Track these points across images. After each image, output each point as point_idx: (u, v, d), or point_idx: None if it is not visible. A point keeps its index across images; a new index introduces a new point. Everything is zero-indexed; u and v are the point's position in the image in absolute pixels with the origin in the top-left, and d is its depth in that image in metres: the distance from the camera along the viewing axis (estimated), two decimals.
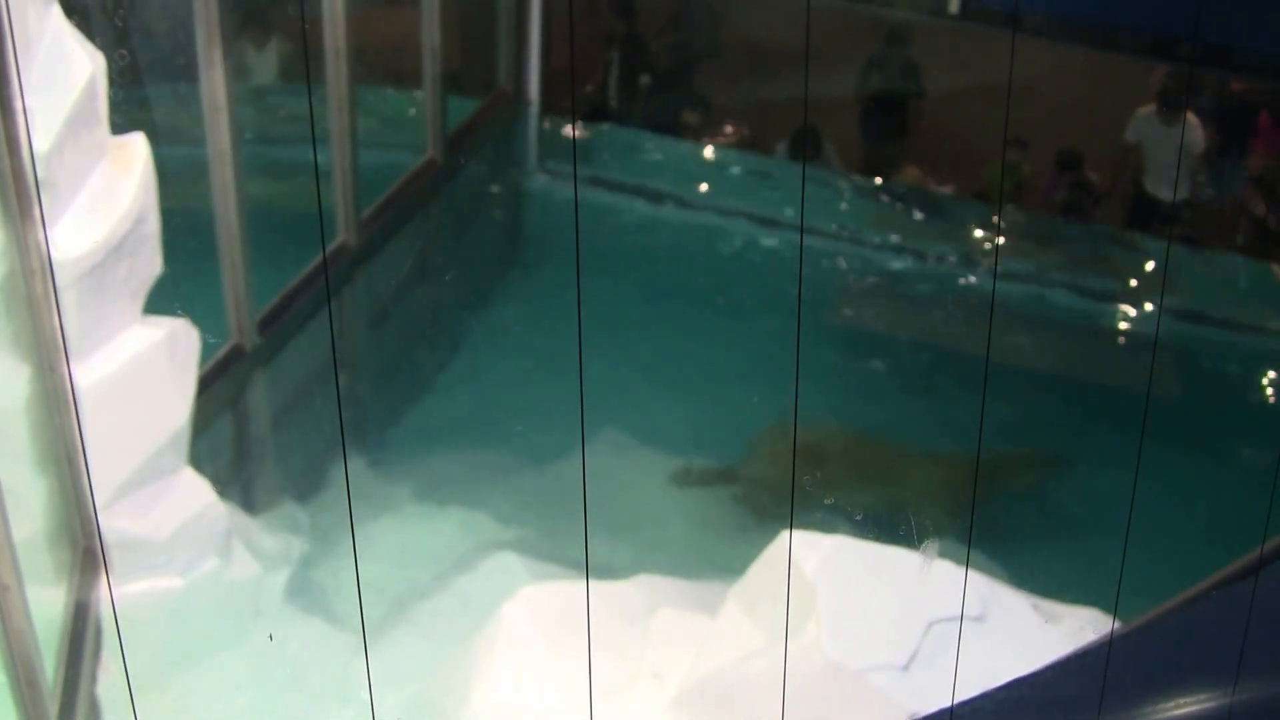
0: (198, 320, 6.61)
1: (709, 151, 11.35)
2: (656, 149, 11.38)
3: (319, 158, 8.47)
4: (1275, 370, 9.66)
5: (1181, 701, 3.04)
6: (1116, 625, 3.87)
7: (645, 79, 11.55)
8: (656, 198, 10.95)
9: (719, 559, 7.55)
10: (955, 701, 3.59)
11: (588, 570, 3.87)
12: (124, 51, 6.54)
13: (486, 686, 6.25)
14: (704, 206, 11.00)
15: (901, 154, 11.15)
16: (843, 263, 10.43)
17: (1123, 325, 10.08)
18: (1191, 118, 10.64)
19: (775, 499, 7.98)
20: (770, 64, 11.02)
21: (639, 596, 6.68)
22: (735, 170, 11.25)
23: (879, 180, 11.03)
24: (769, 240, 10.59)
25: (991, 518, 7.96)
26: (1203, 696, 3.03)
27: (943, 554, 5.96)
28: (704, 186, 11.14)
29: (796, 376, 3.16)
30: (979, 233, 10.77)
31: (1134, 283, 10.30)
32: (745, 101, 11.40)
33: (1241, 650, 2.96)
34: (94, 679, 6.06)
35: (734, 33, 11.43)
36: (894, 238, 10.66)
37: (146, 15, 7.38)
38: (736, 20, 11.47)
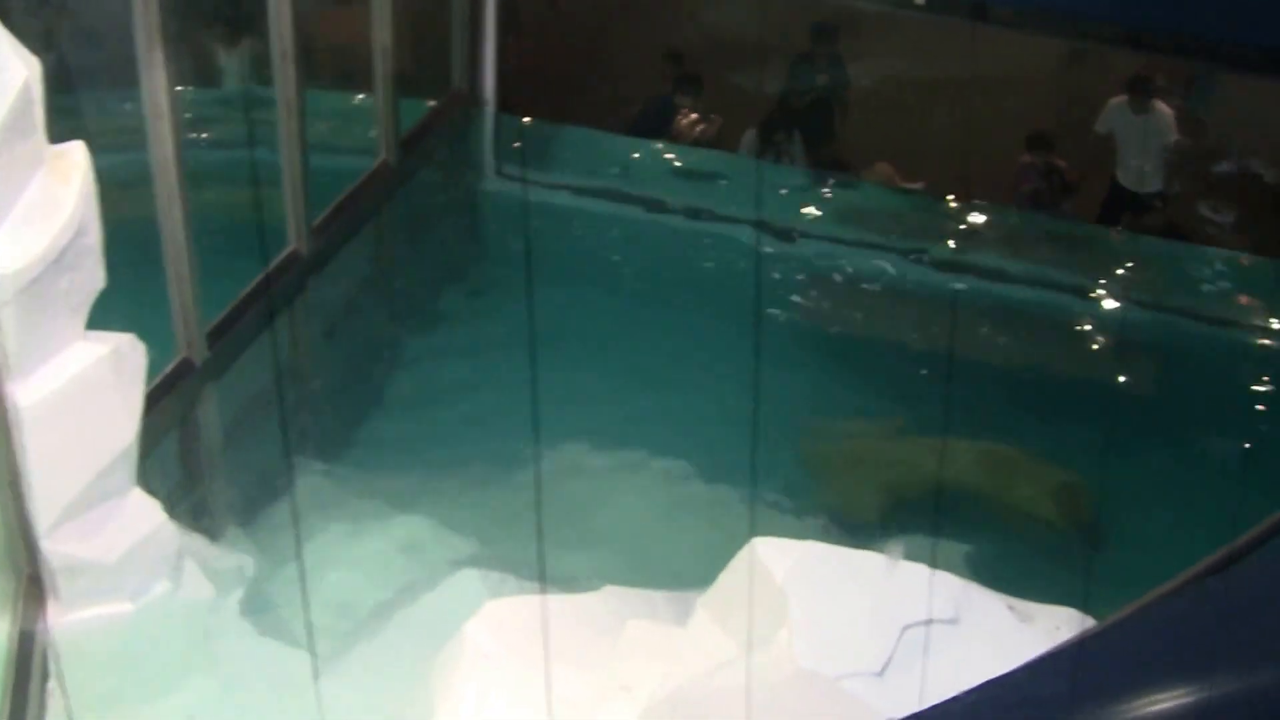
0: (144, 334, 6.44)
1: (674, 149, 11.22)
2: (619, 148, 11.25)
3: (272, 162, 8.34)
4: (1248, 364, 9.56)
5: (1156, 698, 2.95)
6: (1089, 622, 3.78)
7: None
8: (620, 198, 10.82)
9: (690, 569, 7.40)
10: (925, 706, 3.52)
11: (543, 578, 3.74)
12: (61, 55, 6.39)
13: (450, 705, 6.14)
14: (671, 207, 10.88)
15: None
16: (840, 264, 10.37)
17: (1092, 320, 9.97)
18: (1163, 107, 10.57)
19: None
20: (735, 58, 10.97)
21: (606, 608, 6.60)
22: (701, 167, 11.12)
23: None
24: (739, 237, 10.48)
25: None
26: (1178, 692, 2.94)
27: (915, 556, 5.88)
28: (670, 185, 11.02)
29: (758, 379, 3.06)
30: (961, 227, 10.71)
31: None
32: (712, 96, 11.30)
33: (1216, 644, 2.86)
34: (42, 709, 5.91)
35: (702, 26, 11.39)
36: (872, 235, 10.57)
37: (84, 17, 7.24)
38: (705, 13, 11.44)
